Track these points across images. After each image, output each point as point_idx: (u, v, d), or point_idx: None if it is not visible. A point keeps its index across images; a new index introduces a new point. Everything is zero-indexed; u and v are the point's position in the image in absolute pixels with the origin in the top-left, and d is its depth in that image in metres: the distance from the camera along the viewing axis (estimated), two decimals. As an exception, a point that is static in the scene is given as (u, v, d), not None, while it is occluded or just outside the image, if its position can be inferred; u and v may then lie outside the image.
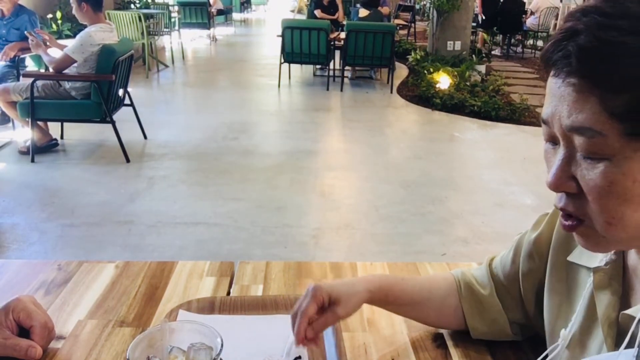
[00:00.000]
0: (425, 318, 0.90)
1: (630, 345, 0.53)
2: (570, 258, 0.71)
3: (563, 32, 0.50)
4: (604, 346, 0.60)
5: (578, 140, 0.50)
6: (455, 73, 6.76)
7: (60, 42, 4.50)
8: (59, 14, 6.83)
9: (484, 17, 9.74)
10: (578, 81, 0.49)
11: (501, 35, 10.76)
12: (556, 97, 0.51)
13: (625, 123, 0.47)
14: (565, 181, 0.52)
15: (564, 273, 0.73)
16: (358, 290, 0.81)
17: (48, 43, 4.14)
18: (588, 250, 0.65)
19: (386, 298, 0.86)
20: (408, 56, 8.39)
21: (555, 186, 0.53)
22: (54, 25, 6.74)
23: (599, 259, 0.64)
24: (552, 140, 0.55)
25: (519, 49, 10.66)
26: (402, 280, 0.89)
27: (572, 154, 0.52)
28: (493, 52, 9.88)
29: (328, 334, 0.87)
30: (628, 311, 0.56)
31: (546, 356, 0.68)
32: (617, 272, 0.62)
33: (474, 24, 9.65)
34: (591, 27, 0.48)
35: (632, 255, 0.61)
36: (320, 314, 0.77)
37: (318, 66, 7.81)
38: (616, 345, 0.58)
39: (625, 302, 0.61)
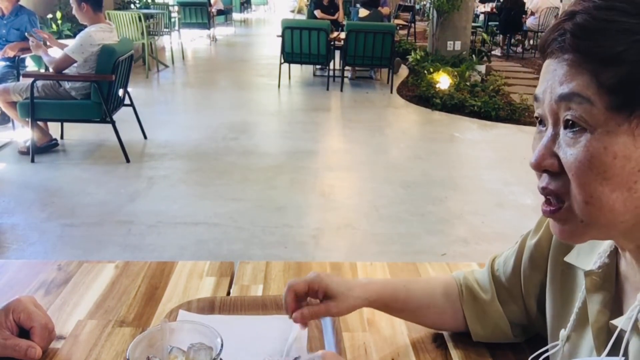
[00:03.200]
0: (425, 322, 0.91)
1: (615, 353, 0.54)
2: (567, 258, 0.71)
3: (562, 16, 0.53)
4: (594, 351, 0.60)
5: (564, 110, 0.51)
6: (455, 73, 6.76)
7: (60, 42, 4.50)
8: (59, 14, 6.83)
9: None
10: (571, 56, 0.51)
11: (501, 35, 10.77)
12: (549, 75, 0.53)
13: (613, 95, 0.48)
14: (547, 158, 0.54)
15: (562, 274, 0.73)
16: (355, 296, 0.82)
17: (48, 43, 4.14)
18: (574, 245, 0.66)
19: (385, 307, 0.87)
20: (408, 56, 8.39)
21: (537, 163, 0.54)
22: (54, 25, 6.74)
23: (593, 262, 0.64)
24: (541, 120, 0.57)
25: (519, 49, 10.66)
26: (403, 287, 0.88)
27: (557, 133, 0.53)
28: (493, 52, 9.88)
29: (328, 334, 0.87)
30: (614, 321, 0.56)
31: (541, 354, 0.69)
32: (609, 277, 0.62)
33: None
34: (588, 8, 0.51)
35: (623, 260, 0.61)
36: (318, 303, 0.81)
37: (318, 66, 7.81)
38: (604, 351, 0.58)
39: (617, 307, 0.60)
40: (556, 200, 0.55)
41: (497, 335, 0.86)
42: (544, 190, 0.56)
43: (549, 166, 0.54)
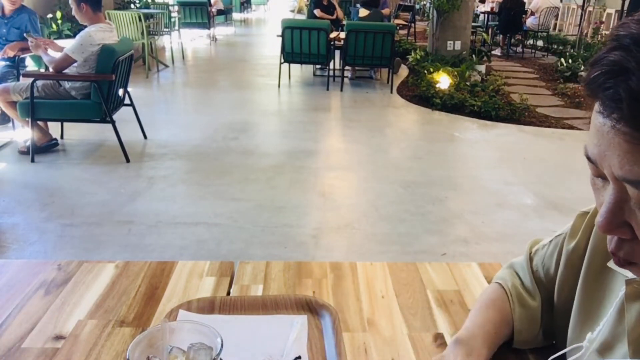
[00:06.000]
0: None
1: None
2: (610, 264, 0.69)
3: (611, 65, 0.44)
4: (627, 357, 0.60)
5: (631, 190, 0.45)
6: (455, 73, 6.76)
7: (61, 42, 4.50)
8: (59, 14, 6.83)
9: None
10: (630, 131, 0.42)
11: (501, 35, 10.77)
12: (604, 141, 0.45)
13: None
14: (617, 226, 0.48)
15: (598, 277, 0.72)
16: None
17: (50, 48, 4.12)
18: None
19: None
20: (408, 56, 8.39)
21: (606, 230, 0.48)
22: (54, 25, 6.74)
23: None
24: (600, 176, 0.50)
25: (519, 49, 10.66)
26: (493, 333, 0.84)
27: (624, 199, 0.47)
28: (493, 52, 9.89)
29: (328, 334, 0.87)
30: None
31: (563, 354, 0.68)
32: None
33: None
34: None
35: None
36: None
37: (318, 66, 7.81)
38: None
39: None
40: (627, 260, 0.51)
41: (536, 340, 0.86)
42: (614, 255, 0.51)
43: (619, 234, 0.49)
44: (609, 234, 0.50)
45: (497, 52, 10.30)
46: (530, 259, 0.87)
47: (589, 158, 0.49)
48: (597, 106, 0.46)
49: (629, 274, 0.64)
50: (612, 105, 0.43)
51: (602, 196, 0.49)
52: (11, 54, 4.63)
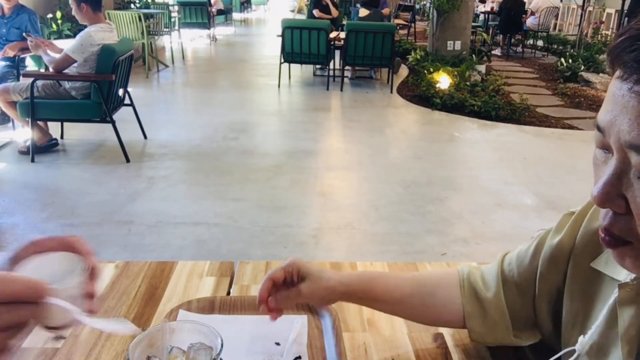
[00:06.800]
0: (416, 316, 0.87)
1: None
2: (594, 264, 0.68)
3: (639, 29, 0.44)
4: None
5: (635, 158, 0.45)
6: (455, 73, 6.76)
7: (61, 42, 4.50)
8: (59, 14, 6.83)
9: None
10: None
11: (501, 35, 10.77)
12: (618, 105, 0.46)
13: None
14: (612, 198, 0.48)
15: (585, 279, 0.70)
16: (328, 277, 0.80)
17: (49, 51, 4.12)
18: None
19: (364, 294, 0.83)
20: (408, 56, 8.39)
21: (601, 202, 0.48)
22: (54, 25, 6.74)
23: (626, 273, 0.62)
24: (605, 148, 0.50)
25: (519, 49, 10.66)
26: (386, 276, 0.86)
27: (624, 170, 0.47)
28: (493, 52, 9.89)
29: (328, 334, 0.87)
30: None
31: (559, 357, 0.68)
32: None
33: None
34: None
35: None
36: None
37: (318, 66, 7.81)
38: None
39: None
40: (620, 238, 0.51)
41: (495, 335, 0.82)
42: (607, 231, 0.51)
43: (613, 207, 0.48)
44: (604, 207, 0.49)
45: (497, 52, 10.31)
46: (503, 257, 0.85)
47: (598, 127, 0.49)
48: (617, 72, 0.47)
49: (618, 276, 0.63)
50: (634, 67, 0.44)
51: (602, 172, 0.50)
52: (11, 54, 4.62)
